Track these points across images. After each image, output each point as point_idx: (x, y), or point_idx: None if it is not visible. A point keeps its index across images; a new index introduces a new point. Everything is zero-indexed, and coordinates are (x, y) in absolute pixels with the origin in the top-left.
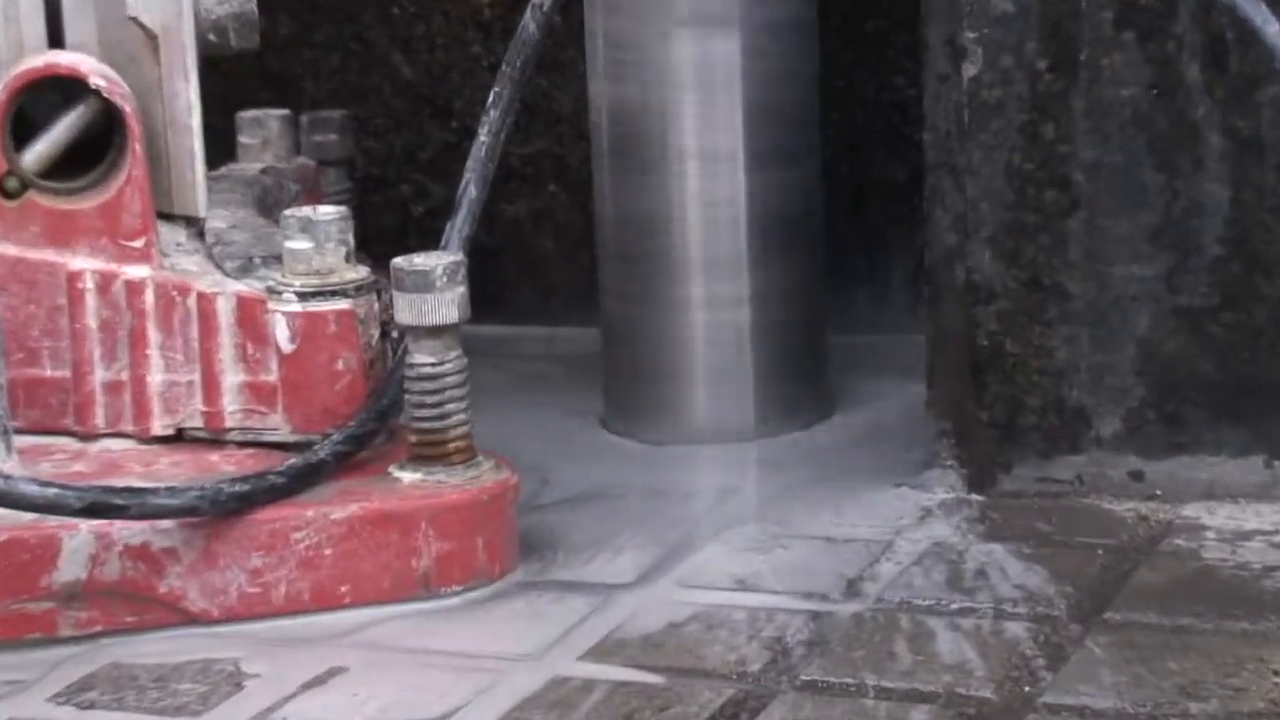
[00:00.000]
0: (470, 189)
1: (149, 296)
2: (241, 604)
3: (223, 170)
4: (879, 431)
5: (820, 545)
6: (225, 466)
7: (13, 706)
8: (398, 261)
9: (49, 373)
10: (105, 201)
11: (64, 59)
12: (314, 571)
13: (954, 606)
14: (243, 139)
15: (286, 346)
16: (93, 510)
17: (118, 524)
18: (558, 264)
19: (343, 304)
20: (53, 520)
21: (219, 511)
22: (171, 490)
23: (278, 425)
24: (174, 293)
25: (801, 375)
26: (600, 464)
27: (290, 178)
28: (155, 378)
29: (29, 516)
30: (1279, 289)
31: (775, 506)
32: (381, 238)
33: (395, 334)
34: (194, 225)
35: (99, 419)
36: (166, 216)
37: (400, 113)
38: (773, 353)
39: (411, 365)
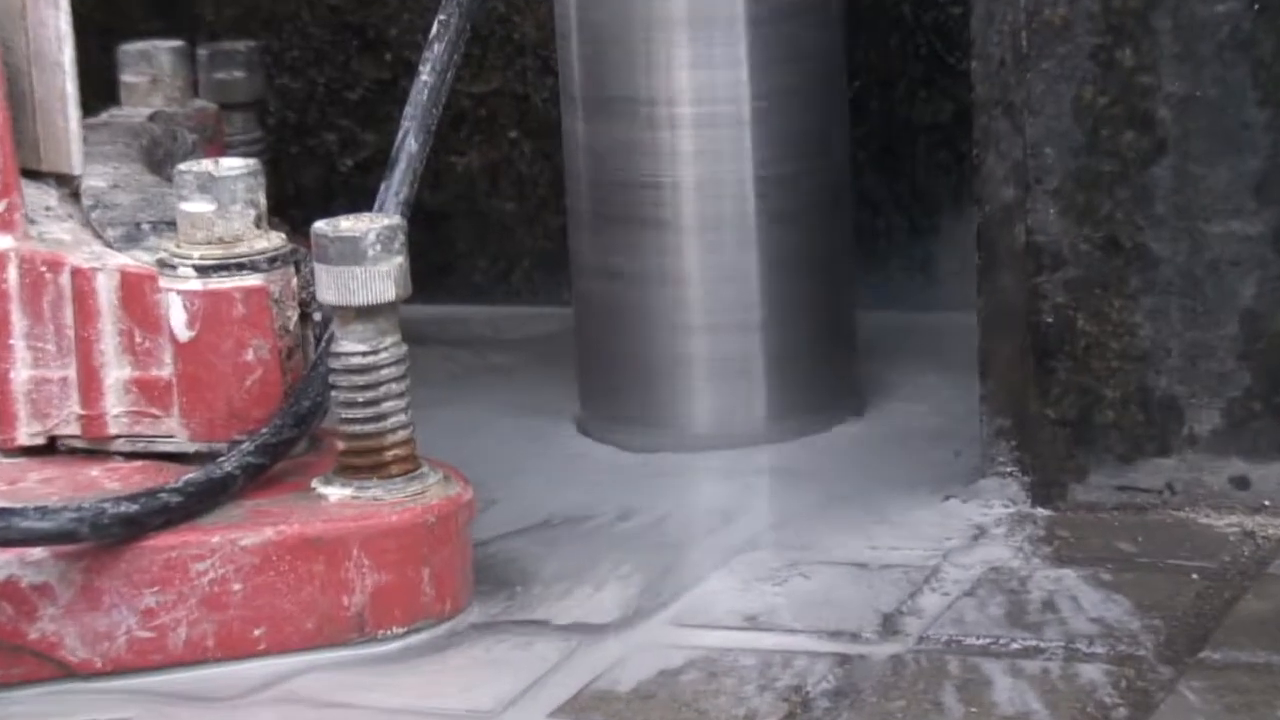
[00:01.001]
0: (410, 139)
1: (11, 274)
2: (131, 653)
3: (103, 117)
4: (921, 431)
5: (849, 573)
6: (109, 483)
7: None
8: (320, 226)
9: None
10: None
11: None
12: (220, 612)
13: (1015, 646)
14: (126, 78)
15: (183, 334)
16: None
17: None
18: (520, 229)
19: (253, 280)
20: None
21: (102, 538)
22: (42, 512)
23: (173, 432)
24: (43, 268)
25: (824, 364)
26: (576, 476)
27: (186, 125)
28: (20, 374)
29: None
30: None
31: (792, 526)
32: (301, 198)
33: (318, 316)
34: (67, 185)
35: None
36: (33, 174)
37: (322, 44)
38: (788, 337)
39: (338, 355)
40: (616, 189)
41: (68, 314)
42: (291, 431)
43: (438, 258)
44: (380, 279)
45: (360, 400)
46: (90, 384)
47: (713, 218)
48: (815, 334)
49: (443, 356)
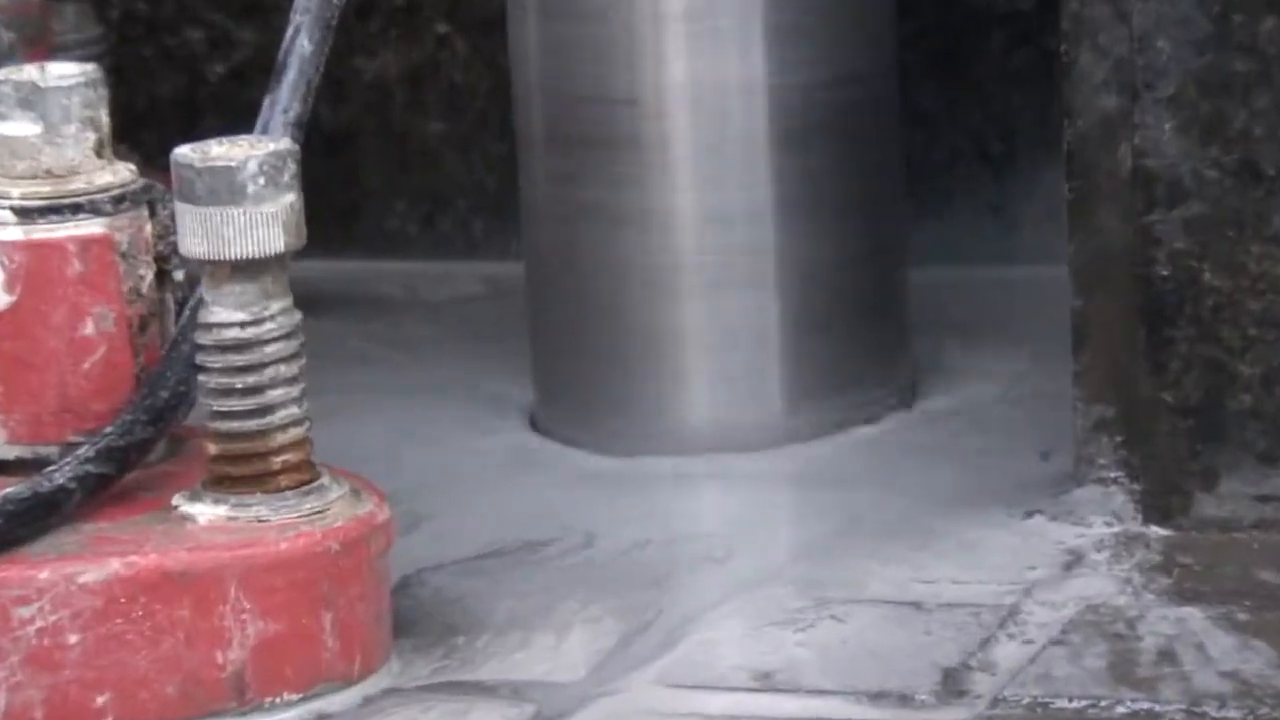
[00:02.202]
0: (302, 37)
1: None
2: None
3: None
4: (992, 425)
5: (896, 614)
6: None
7: None
8: (184, 154)
9: None
10: None
11: None
12: (52, 673)
13: (1121, 710)
14: None
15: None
16: None
17: None
18: (451, 157)
19: (93, 226)
20: None
21: None
22: None
23: None
24: None
25: (861, 337)
26: (531, 489)
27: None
28: None
29: None
30: None
31: (819, 553)
32: (157, 117)
33: (181, 275)
34: None
35: None
36: None
37: None
38: (812, 301)
39: (209, 327)
40: (583, 104)
41: None
42: (146, 430)
43: (341, 196)
44: (265, 224)
45: (238, 387)
46: None
47: (710, 141)
48: (849, 297)
49: (350, 329)
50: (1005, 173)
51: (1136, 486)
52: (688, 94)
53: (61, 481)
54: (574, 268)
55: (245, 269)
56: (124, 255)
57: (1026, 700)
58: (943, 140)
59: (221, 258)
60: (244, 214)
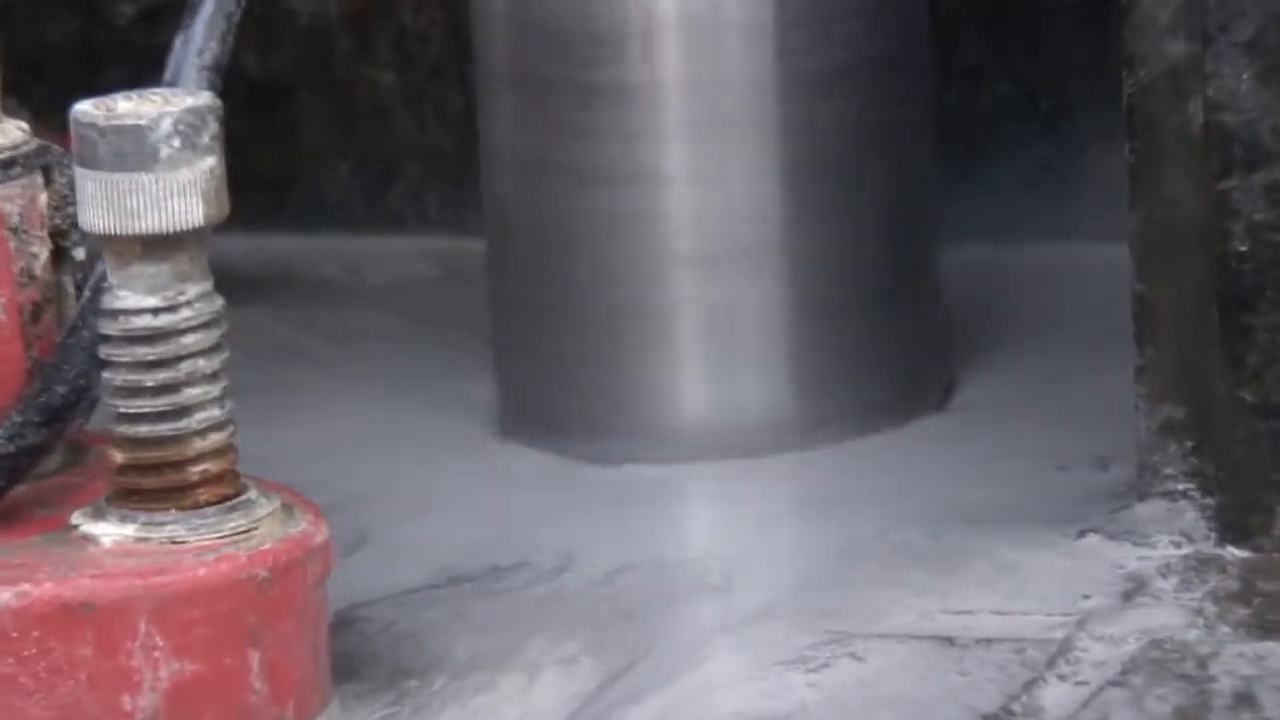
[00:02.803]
0: None
1: None
2: None
3: None
4: (1038, 428)
5: (925, 651)
6: None
7: None
8: (85, 111)
9: None
10: None
11: None
12: None
13: None
14: None
15: None
16: None
17: None
18: (401, 114)
19: None
20: None
21: None
22: None
23: None
24: None
25: (884, 326)
26: (496, 504)
27: None
28: None
29: None
30: None
31: (835, 579)
32: (48, 65)
33: (81, 254)
34: None
35: None
36: None
37: None
38: (828, 285)
39: (115, 314)
40: (557, 41)
41: None
42: (39, 434)
43: (271, 160)
44: (180, 193)
45: (149, 385)
46: None
47: (708, 86)
48: (870, 277)
49: (281, 317)
50: (1057, 132)
51: (1209, 501)
52: (681, 31)
53: None
54: (544, 240)
55: (157, 246)
56: (14, 230)
57: None
58: (984, 93)
59: (129, 233)
60: (156, 181)
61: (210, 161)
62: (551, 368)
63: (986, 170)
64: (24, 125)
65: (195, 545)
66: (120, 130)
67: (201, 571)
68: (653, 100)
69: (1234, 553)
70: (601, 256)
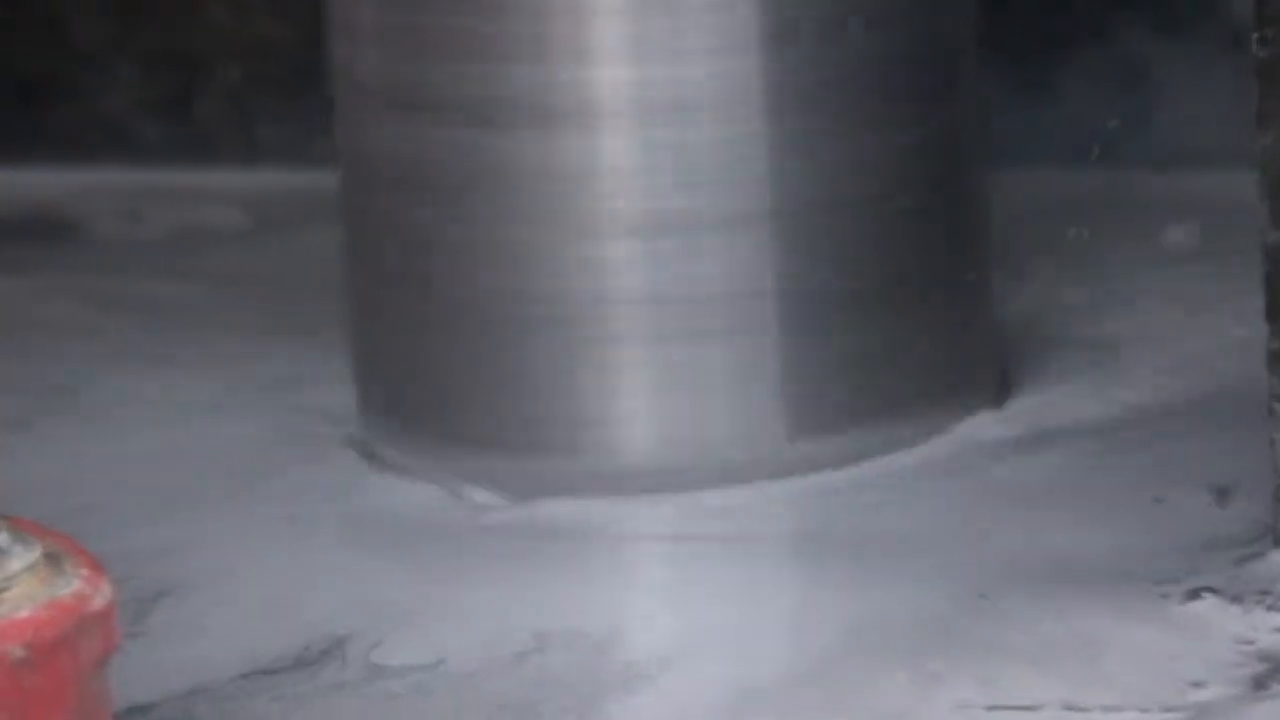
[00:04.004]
0: None
1: None
2: None
3: None
4: (1125, 442)
5: None
6: None
7: None
8: None
9: None
10: None
11: None
12: None
13: None
14: None
15: None
16: None
17: None
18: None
19: None
20: None
21: None
22: None
23: None
24: None
25: (910, 307)
26: (359, 555)
27: None
28: None
29: None
30: None
31: (835, 664)
32: None
33: None
34: None
35: None
36: None
37: None
38: (829, 256)
39: None
40: None
41: None
42: None
43: (25, 62)
44: None
45: None
46: None
47: None
48: (892, 230)
49: (46, 281)
50: (1153, 25)
51: None
52: None
53: None
54: (422, 202)
55: None
56: None
57: None
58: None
59: None
60: None
61: None
62: (432, 373)
63: (1053, 77)
64: None
65: None
66: None
67: None
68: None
69: None
70: (503, 226)
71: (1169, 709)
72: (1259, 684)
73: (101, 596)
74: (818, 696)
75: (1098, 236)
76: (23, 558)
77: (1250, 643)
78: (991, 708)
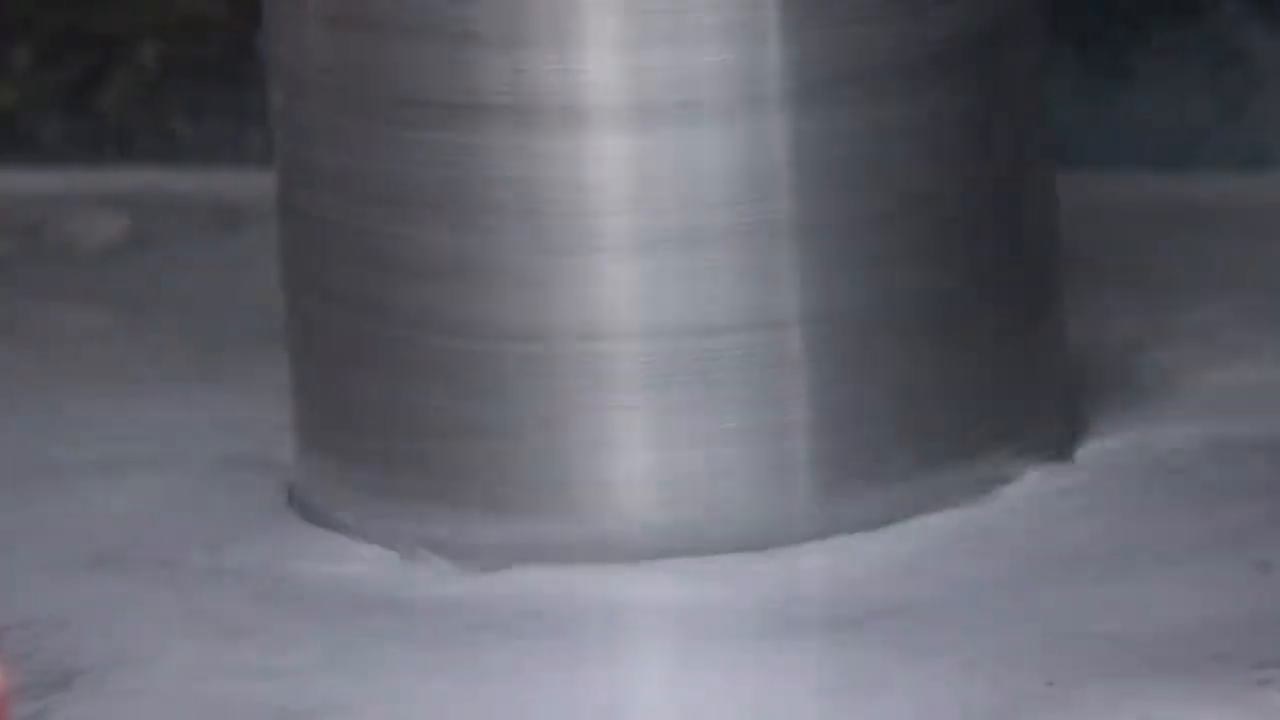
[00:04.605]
0: None
1: None
2: None
3: None
4: (1216, 494)
5: None
6: None
7: None
8: None
9: None
10: None
11: None
12: None
13: None
14: None
15: None
16: None
17: None
18: None
19: None
20: None
21: None
22: None
23: None
24: None
25: (963, 333)
26: (286, 642)
27: None
28: None
29: None
30: None
31: None
32: None
33: None
34: None
35: None
36: None
37: None
38: (870, 285)
39: None
40: None
41: None
42: None
43: None
44: None
45: None
46: None
47: None
48: (935, 245)
49: None
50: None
51: None
52: None
53: None
54: (378, 206)
55: None
56: None
57: None
58: None
59: None
60: None
61: None
62: (384, 415)
63: (1133, 63)
64: None
65: None
66: None
67: None
68: None
69: None
70: (472, 243)
71: None
72: None
73: None
74: None
75: (1182, 250)
76: None
77: None
78: None
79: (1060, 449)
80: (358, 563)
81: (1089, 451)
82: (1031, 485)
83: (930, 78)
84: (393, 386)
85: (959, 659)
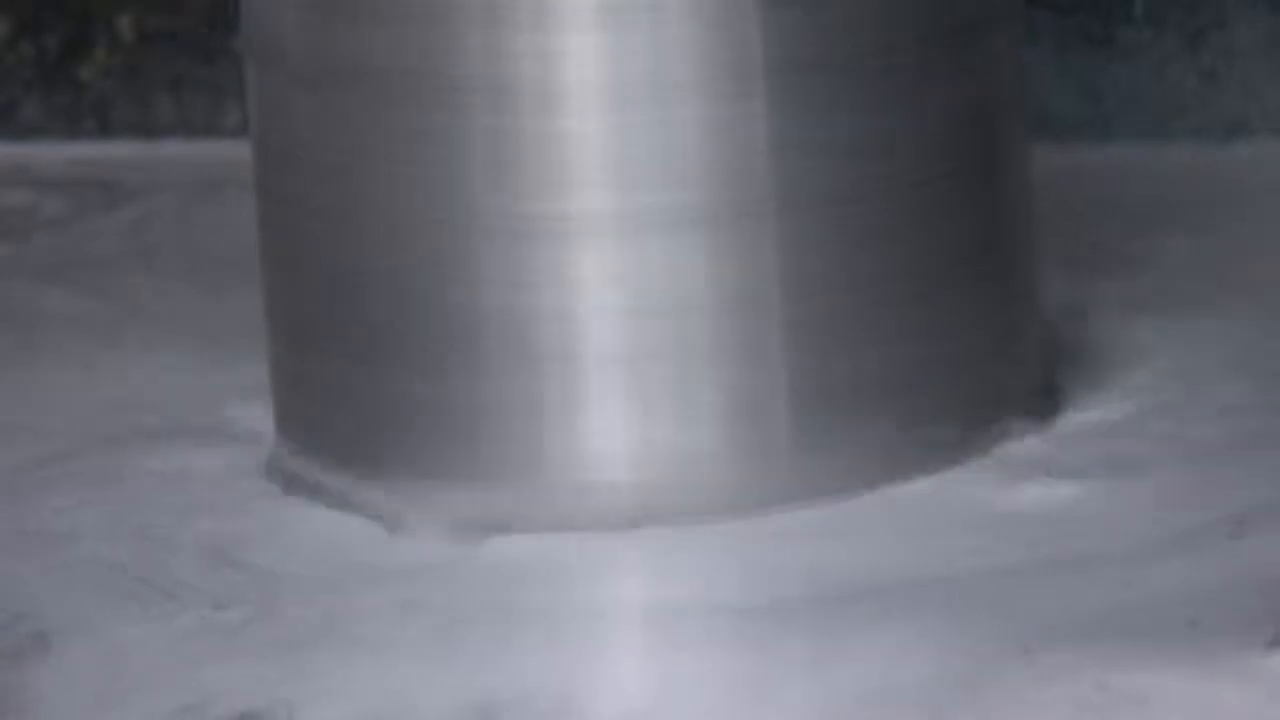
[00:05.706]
0: None
1: None
2: None
3: None
4: (1200, 463)
5: None
6: None
7: None
8: None
9: None
10: None
11: None
12: None
13: None
14: None
15: None
16: None
17: None
18: None
19: None
20: None
21: None
22: None
23: None
24: None
25: (939, 301)
26: (284, 611)
27: None
28: None
29: None
30: None
31: None
32: None
33: None
34: None
35: None
36: None
37: None
38: (846, 255)
39: None
40: None
41: None
42: None
43: None
44: None
45: None
46: None
47: None
48: (913, 221)
49: None
50: None
51: None
52: None
53: None
54: (356, 185)
55: None
56: None
57: None
58: None
59: None
60: None
61: None
62: (366, 388)
63: (1117, 37)
64: None
65: None
66: None
67: None
68: None
69: None
70: (451, 223)
71: None
72: None
73: None
74: None
75: (1169, 220)
76: None
77: None
78: None
79: (1038, 419)
80: (340, 533)
81: (1067, 423)
82: (1007, 456)
83: (912, 58)
84: (371, 359)
85: (933, 626)
